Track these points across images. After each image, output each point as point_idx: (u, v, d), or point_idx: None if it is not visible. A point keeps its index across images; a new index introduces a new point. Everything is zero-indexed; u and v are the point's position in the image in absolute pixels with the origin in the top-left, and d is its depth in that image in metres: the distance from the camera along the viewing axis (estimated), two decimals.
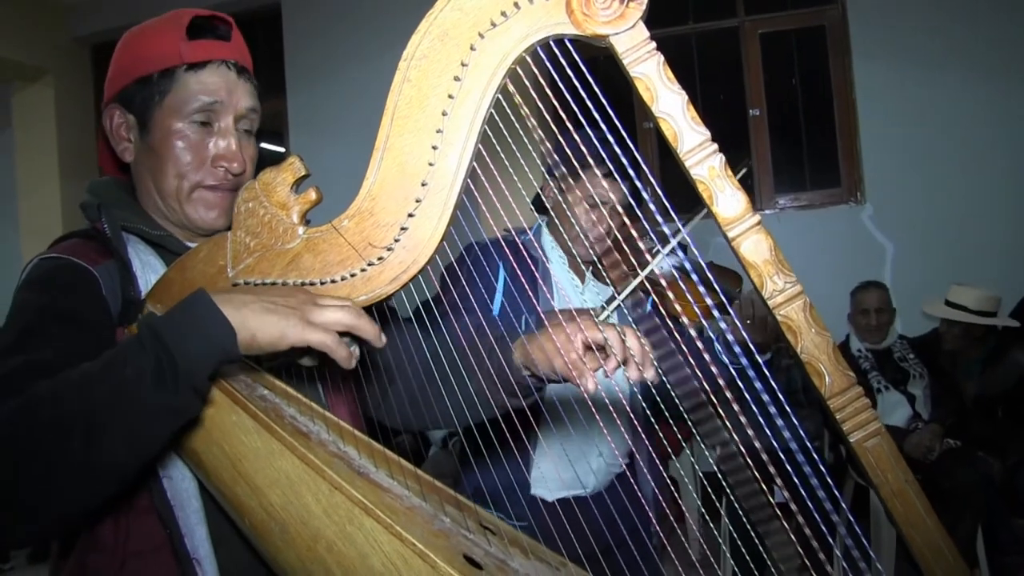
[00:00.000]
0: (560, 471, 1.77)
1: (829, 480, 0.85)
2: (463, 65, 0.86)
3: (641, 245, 0.98)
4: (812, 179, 4.54)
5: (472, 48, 0.86)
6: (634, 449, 1.82)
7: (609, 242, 1.81)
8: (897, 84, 4.24)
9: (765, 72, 4.55)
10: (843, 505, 0.86)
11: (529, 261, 1.76)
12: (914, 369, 3.54)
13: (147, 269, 1.00)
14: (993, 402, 3.56)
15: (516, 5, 0.85)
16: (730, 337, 0.98)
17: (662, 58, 0.84)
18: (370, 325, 0.84)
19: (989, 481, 3.20)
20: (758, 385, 0.90)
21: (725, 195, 0.83)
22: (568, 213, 1.82)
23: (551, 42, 0.87)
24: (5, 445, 0.74)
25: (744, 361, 0.95)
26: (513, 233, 1.82)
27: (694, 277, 0.95)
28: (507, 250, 1.46)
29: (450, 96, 0.86)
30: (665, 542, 1.66)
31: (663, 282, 1.04)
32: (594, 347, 1.01)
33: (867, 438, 0.84)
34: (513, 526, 1.73)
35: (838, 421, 0.84)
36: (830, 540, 0.94)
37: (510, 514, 1.74)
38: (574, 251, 1.86)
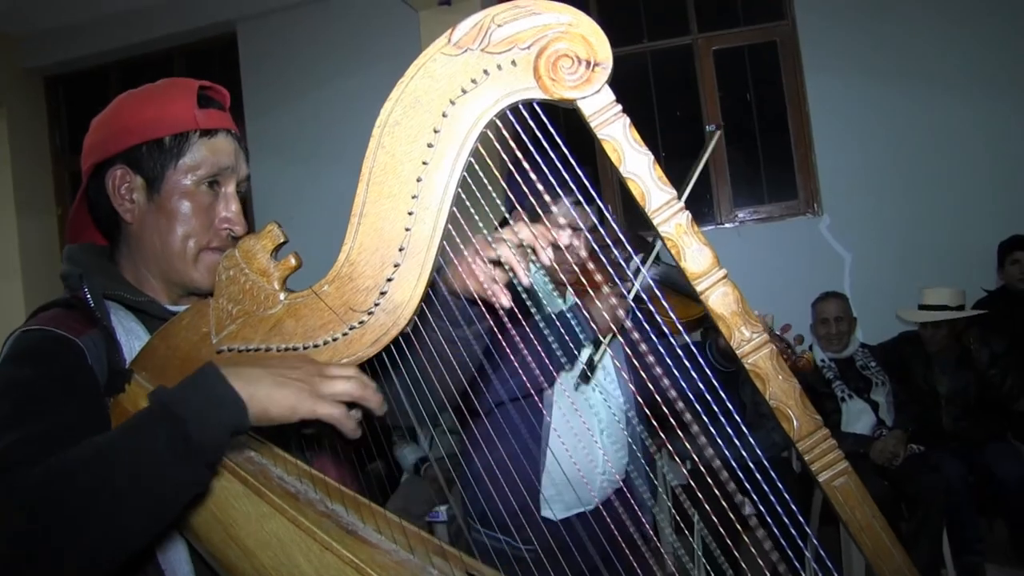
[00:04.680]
0: (565, 491, 1.81)
1: (787, 496, 0.90)
2: (435, 132, 0.89)
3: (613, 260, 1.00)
4: (770, 192, 4.63)
5: (444, 115, 0.89)
6: (629, 458, 1.87)
7: (586, 264, 1.84)
8: (849, 96, 4.35)
9: (720, 88, 4.64)
10: (801, 520, 0.91)
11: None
12: (876, 377, 3.61)
13: (130, 336, 1.01)
14: (965, 397, 3.64)
15: (485, 72, 0.88)
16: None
17: (628, 120, 0.88)
18: (374, 395, 0.88)
19: (952, 484, 3.28)
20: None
21: (692, 250, 0.87)
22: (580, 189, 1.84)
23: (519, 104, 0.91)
24: (21, 519, 0.74)
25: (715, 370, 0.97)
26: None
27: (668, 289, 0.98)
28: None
29: (424, 163, 0.88)
30: (660, 547, 1.70)
31: (645, 296, 1.06)
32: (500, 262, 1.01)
33: (835, 477, 0.87)
34: (519, 549, 1.77)
35: (807, 462, 0.88)
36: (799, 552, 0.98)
37: (516, 538, 1.78)
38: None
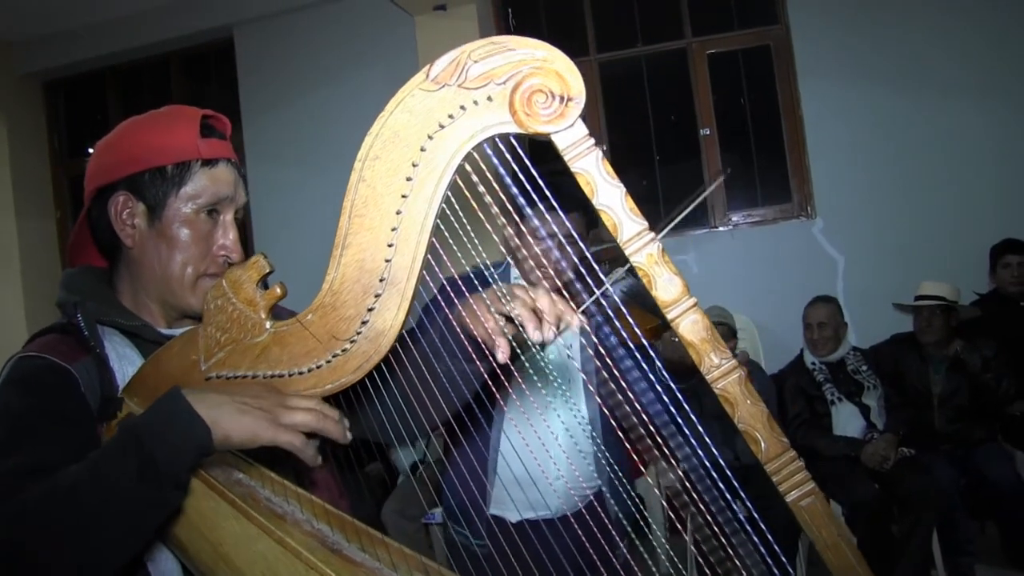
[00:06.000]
0: (516, 492, 1.85)
1: (750, 505, 0.93)
2: (414, 165, 0.91)
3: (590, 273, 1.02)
4: (763, 195, 4.66)
5: (422, 149, 0.91)
6: (596, 471, 1.89)
7: (568, 272, 1.90)
8: (842, 100, 4.38)
9: (714, 92, 4.66)
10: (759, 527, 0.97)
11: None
12: (868, 380, 3.63)
13: (124, 361, 1.04)
14: (960, 397, 3.66)
15: (462, 107, 0.91)
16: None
17: (600, 153, 0.91)
18: (335, 425, 0.91)
19: (943, 486, 3.30)
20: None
21: (663, 280, 0.90)
22: (523, 248, 1.91)
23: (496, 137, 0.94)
24: (3, 550, 0.80)
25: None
26: (482, 268, 1.89)
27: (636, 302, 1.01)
28: (477, 284, 1.52)
29: (403, 196, 0.91)
30: (630, 560, 1.73)
31: (613, 307, 1.08)
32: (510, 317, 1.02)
33: (802, 498, 0.90)
34: (475, 545, 1.81)
35: (775, 483, 0.91)
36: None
37: (471, 532, 1.82)
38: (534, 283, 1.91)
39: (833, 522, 0.91)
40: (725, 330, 3.69)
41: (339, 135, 4.67)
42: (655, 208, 4.83)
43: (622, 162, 4.74)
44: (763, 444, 0.91)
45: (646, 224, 0.90)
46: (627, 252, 0.90)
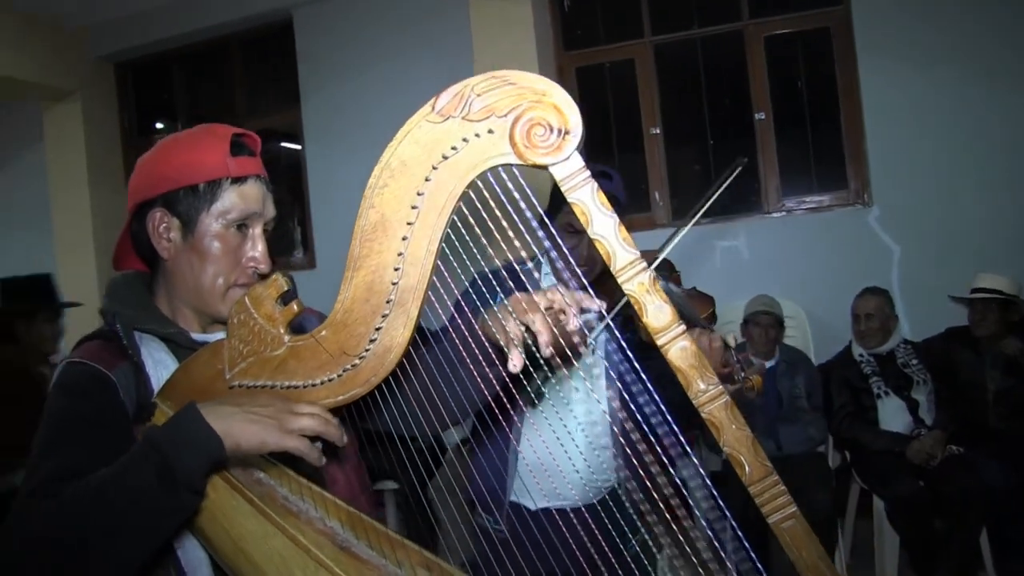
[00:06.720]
0: (539, 481, 1.91)
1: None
2: (419, 195, 0.97)
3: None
4: (819, 181, 4.56)
5: (427, 179, 0.97)
6: (622, 463, 1.94)
7: (597, 268, 1.95)
8: (903, 85, 4.23)
9: (770, 75, 4.56)
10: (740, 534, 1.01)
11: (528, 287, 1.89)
12: (918, 375, 3.56)
13: (159, 366, 1.15)
14: (1017, 394, 3.55)
15: (465, 140, 0.96)
16: None
17: (595, 185, 0.95)
18: (336, 430, 1.00)
19: (993, 485, 3.22)
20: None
21: (653, 307, 0.94)
22: (552, 243, 1.96)
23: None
24: (40, 546, 0.91)
25: None
26: (514, 264, 1.95)
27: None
28: (508, 279, 1.58)
29: (409, 223, 0.97)
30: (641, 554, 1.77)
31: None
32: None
33: (783, 520, 0.94)
34: (497, 531, 1.88)
35: (758, 505, 0.95)
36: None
37: (493, 519, 1.90)
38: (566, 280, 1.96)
39: (814, 542, 0.95)
40: (771, 319, 3.67)
41: (395, 115, 4.69)
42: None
43: (676, 145, 4.73)
44: (747, 467, 0.94)
45: (638, 253, 0.94)
46: (620, 280, 0.94)
